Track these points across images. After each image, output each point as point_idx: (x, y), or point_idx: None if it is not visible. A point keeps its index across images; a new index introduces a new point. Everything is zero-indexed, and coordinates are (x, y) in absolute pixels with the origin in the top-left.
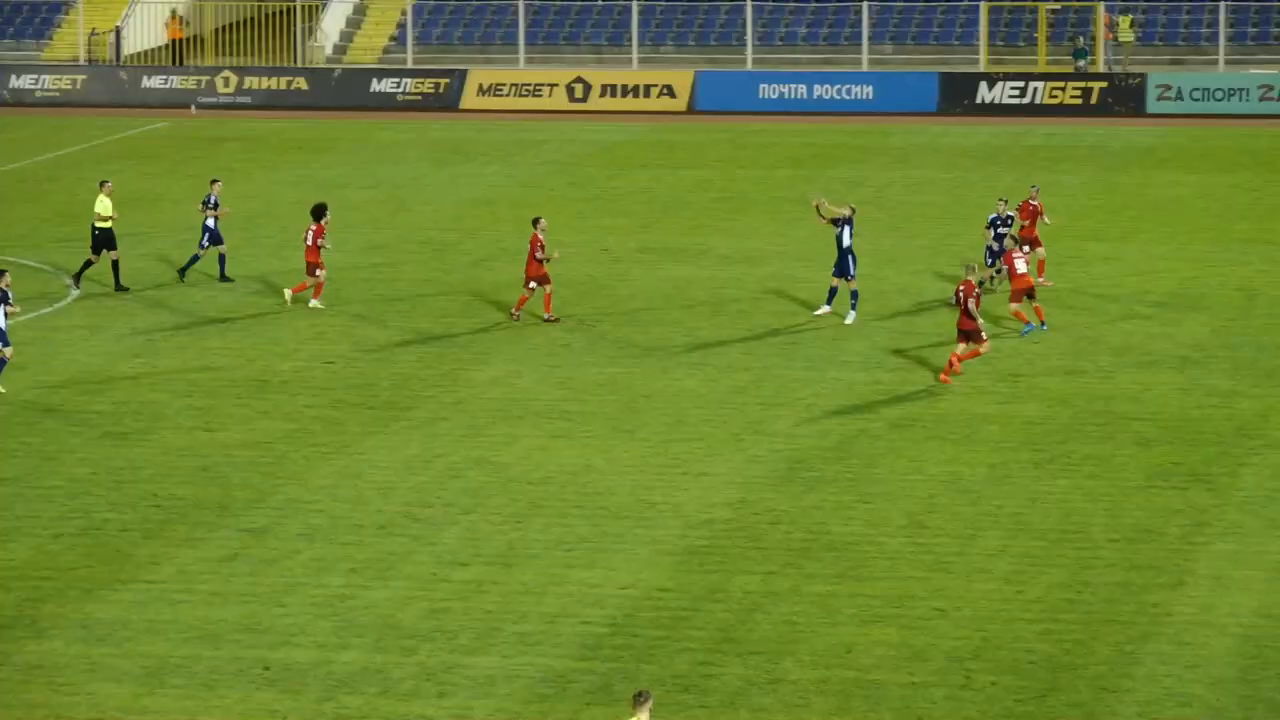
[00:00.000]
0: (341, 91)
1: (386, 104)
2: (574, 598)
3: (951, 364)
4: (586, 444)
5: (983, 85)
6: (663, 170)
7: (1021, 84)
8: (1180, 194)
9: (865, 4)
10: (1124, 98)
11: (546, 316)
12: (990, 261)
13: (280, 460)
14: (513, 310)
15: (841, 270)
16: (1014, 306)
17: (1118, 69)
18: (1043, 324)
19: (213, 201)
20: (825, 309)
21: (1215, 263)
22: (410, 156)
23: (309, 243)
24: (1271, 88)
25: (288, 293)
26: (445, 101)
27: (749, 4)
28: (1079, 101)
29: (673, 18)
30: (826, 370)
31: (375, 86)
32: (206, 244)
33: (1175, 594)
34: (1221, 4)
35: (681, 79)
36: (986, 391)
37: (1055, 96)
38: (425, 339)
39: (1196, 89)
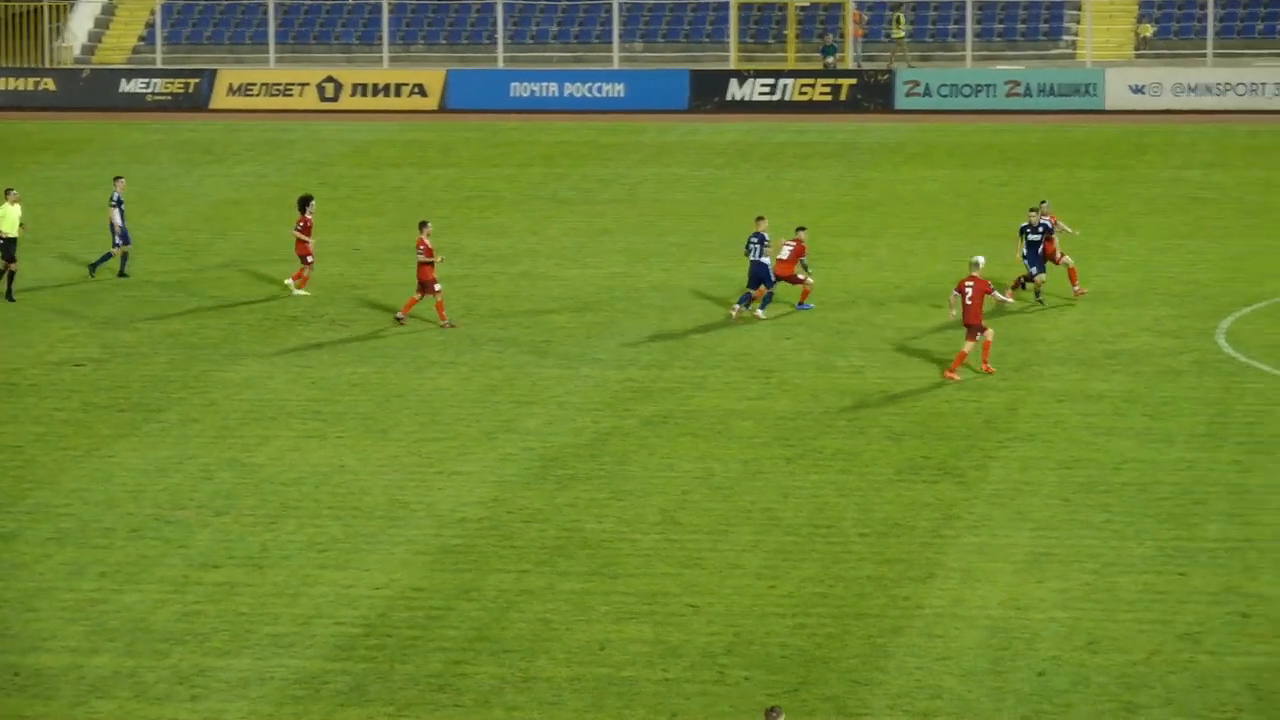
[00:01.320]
0: (90, 92)
1: (136, 104)
2: (327, 598)
3: (961, 359)
4: (339, 444)
5: (733, 82)
6: (414, 169)
7: (771, 81)
8: (930, 189)
9: (616, 2)
10: (873, 94)
11: (442, 323)
12: (1035, 269)
13: (29, 464)
14: (399, 314)
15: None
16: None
17: (900, 65)
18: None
19: (116, 198)
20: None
21: (964, 257)
22: (160, 157)
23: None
24: (1018, 83)
25: (290, 283)
26: (195, 101)
27: (499, 3)
28: (829, 98)
29: (424, 16)
30: (579, 368)
31: (124, 87)
32: (119, 241)
33: (925, 587)
34: (969, 1)
35: (433, 78)
36: (738, 388)
37: (805, 93)
38: (176, 340)
39: (944, 85)
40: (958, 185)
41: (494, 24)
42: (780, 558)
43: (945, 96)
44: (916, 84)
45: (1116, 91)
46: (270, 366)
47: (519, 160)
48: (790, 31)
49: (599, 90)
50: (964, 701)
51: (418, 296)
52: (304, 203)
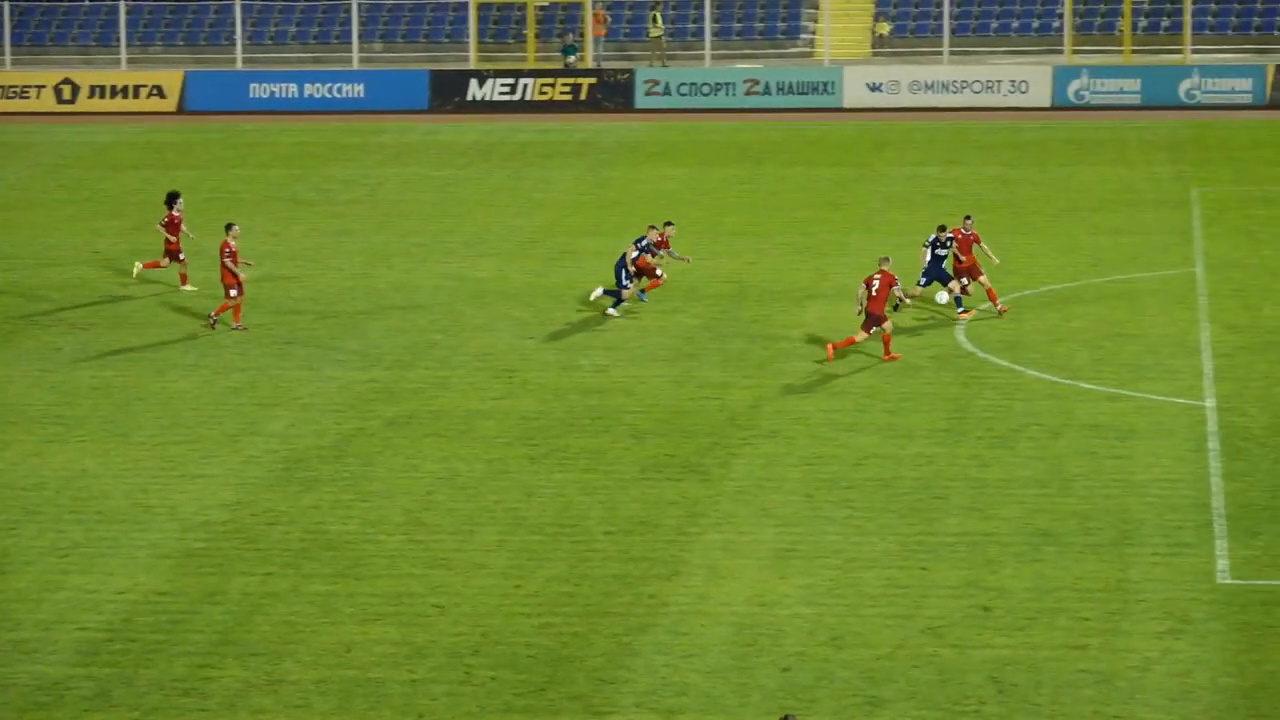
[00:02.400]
0: None
1: None
2: (70, 604)
3: (851, 341)
4: (81, 448)
5: (473, 83)
6: (154, 171)
7: (512, 81)
8: (670, 188)
9: (355, 3)
10: (613, 93)
11: (234, 325)
12: (925, 281)
13: None
14: (211, 314)
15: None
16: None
17: (657, 64)
18: None
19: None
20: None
21: (705, 255)
22: None
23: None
24: (757, 81)
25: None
26: None
27: (238, 3)
28: (569, 98)
29: (161, 17)
30: (322, 369)
31: None
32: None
33: (671, 584)
34: (707, 2)
35: (171, 79)
36: (482, 388)
37: (545, 93)
38: None
39: (684, 84)
40: (698, 184)
41: (232, 25)
42: (526, 557)
43: (685, 95)
44: (656, 83)
45: (854, 90)
46: (9, 370)
47: (259, 161)
48: (530, 31)
49: (339, 91)
50: (710, 698)
51: (230, 301)
52: (171, 199)
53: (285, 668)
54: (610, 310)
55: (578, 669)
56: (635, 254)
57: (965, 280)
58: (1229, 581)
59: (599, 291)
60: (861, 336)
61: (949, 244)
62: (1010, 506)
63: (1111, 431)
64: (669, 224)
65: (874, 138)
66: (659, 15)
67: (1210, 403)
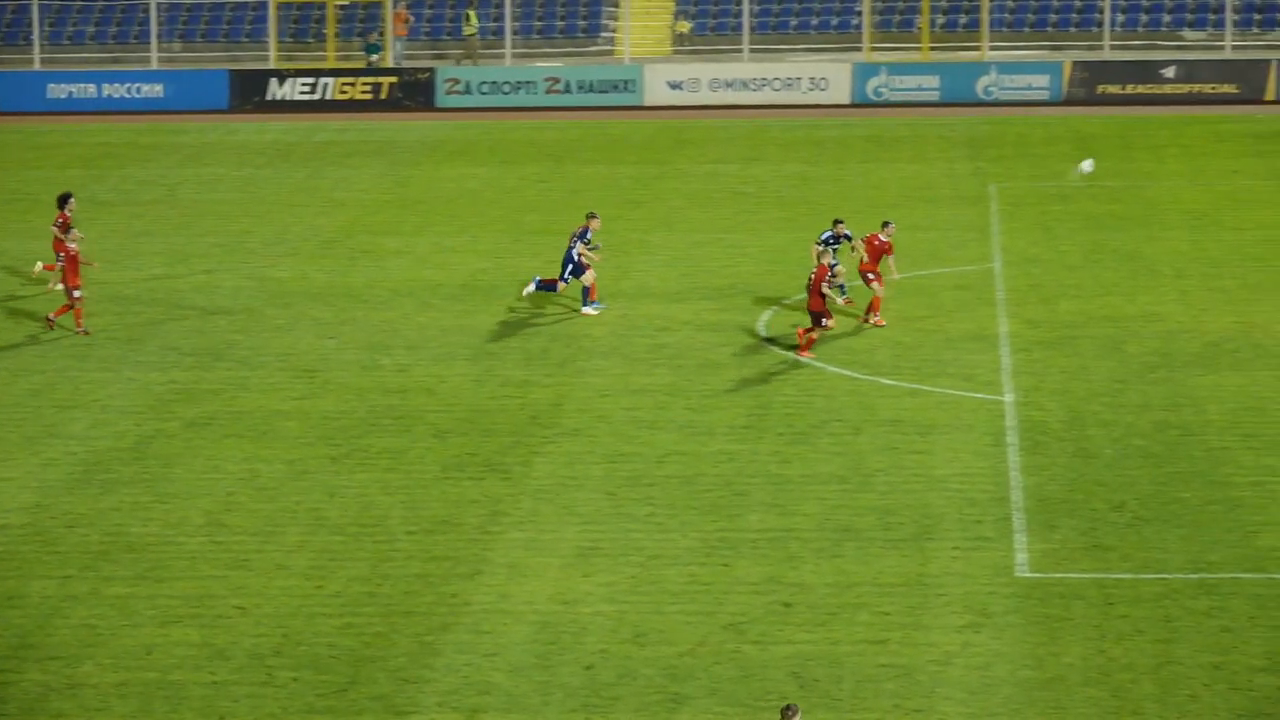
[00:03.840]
0: None
1: None
2: None
3: (802, 336)
4: None
5: (273, 82)
6: None
7: (312, 80)
8: (472, 187)
9: (153, 2)
10: (414, 92)
11: (78, 329)
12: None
13: None
14: (49, 316)
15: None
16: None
17: (469, 63)
18: None
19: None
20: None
21: (507, 254)
22: None
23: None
24: (558, 80)
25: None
26: None
27: (35, 3)
28: (370, 97)
29: None
30: (121, 370)
31: None
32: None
33: (473, 583)
34: (508, 1)
35: None
36: (283, 388)
37: (346, 92)
38: None
39: (485, 83)
40: (499, 182)
41: (30, 24)
42: (327, 558)
43: (486, 94)
44: (457, 82)
45: (655, 88)
46: None
47: (57, 162)
48: (330, 30)
49: (138, 91)
50: (512, 697)
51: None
52: (63, 200)
53: (85, 671)
54: (586, 309)
55: (380, 669)
56: (577, 247)
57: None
58: (1027, 575)
59: (532, 286)
60: (818, 332)
61: (841, 241)
62: (811, 503)
63: (911, 427)
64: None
65: (675, 135)
66: (473, 14)
67: (1009, 397)
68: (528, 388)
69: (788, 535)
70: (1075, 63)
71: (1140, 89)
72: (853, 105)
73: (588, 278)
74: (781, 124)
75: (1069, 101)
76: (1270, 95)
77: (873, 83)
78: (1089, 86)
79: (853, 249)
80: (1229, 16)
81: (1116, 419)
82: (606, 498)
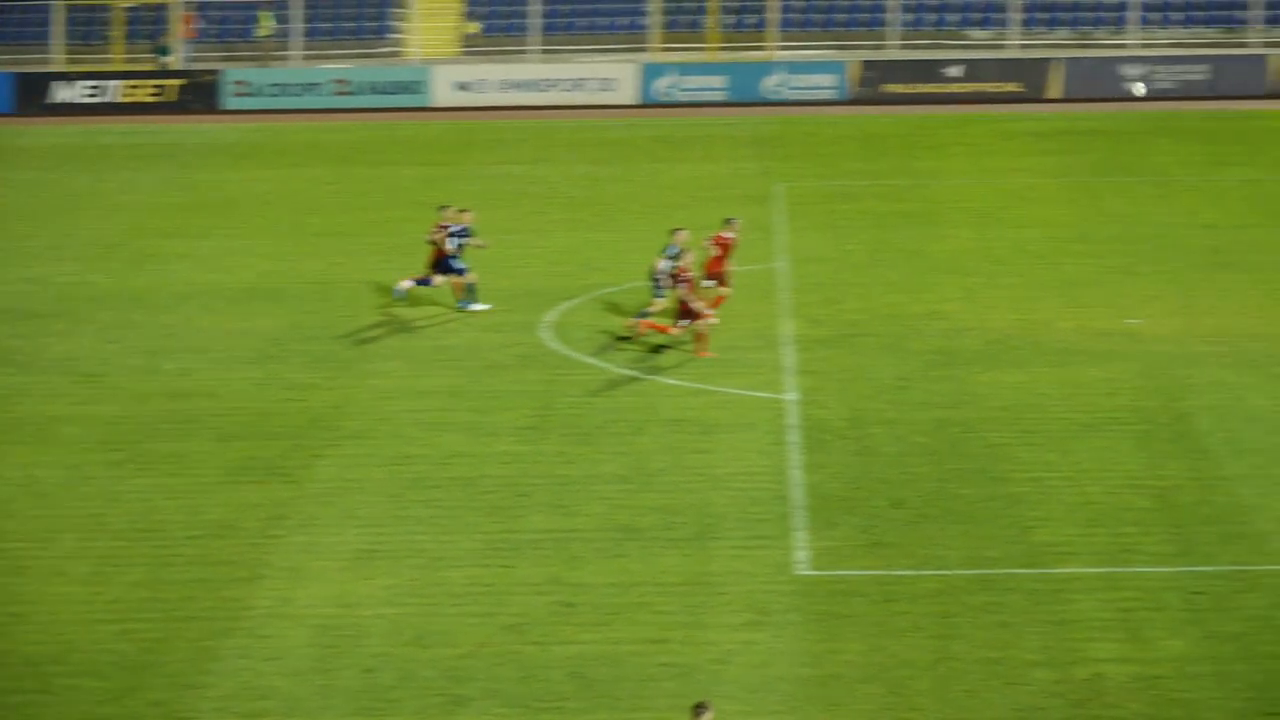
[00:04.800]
0: None
1: None
2: None
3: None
4: None
5: (57, 85)
6: None
7: (98, 83)
8: (259, 190)
9: None
10: (200, 95)
11: None
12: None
13: None
14: None
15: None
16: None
17: (264, 65)
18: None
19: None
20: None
21: (291, 256)
22: None
23: None
24: (346, 81)
25: None
26: None
27: None
28: (156, 99)
29: None
30: None
31: None
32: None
33: (253, 588)
34: (299, 2)
35: None
36: (63, 393)
37: (131, 95)
38: None
39: (272, 85)
40: (286, 185)
41: None
42: (107, 564)
43: (273, 96)
44: (244, 84)
45: (443, 89)
46: None
47: None
48: (117, 33)
49: None
50: (292, 701)
51: None
52: None
53: None
54: (472, 306)
55: (158, 675)
56: (456, 244)
57: (715, 282)
58: (808, 573)
59: (407, 284)
60: (702, 325)
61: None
62: (593, 503)
63: (694, 426)
64: (464, 210)
65: (463, 136)
66: (267, 15)
67: (791, 396)
68: (311, 391)
69: (570, 536)
70: (861, 62)
71: (925, 88)
72: (641, 105)
73: (470, 277)
74: (570, 125)
75: (855, 101)
76: (1053, 94)
77: (660, 83)
78: (875, 86)
79: (705, 249)
80: (1013, 16)
81: (899, 416)
82: (389, 500)
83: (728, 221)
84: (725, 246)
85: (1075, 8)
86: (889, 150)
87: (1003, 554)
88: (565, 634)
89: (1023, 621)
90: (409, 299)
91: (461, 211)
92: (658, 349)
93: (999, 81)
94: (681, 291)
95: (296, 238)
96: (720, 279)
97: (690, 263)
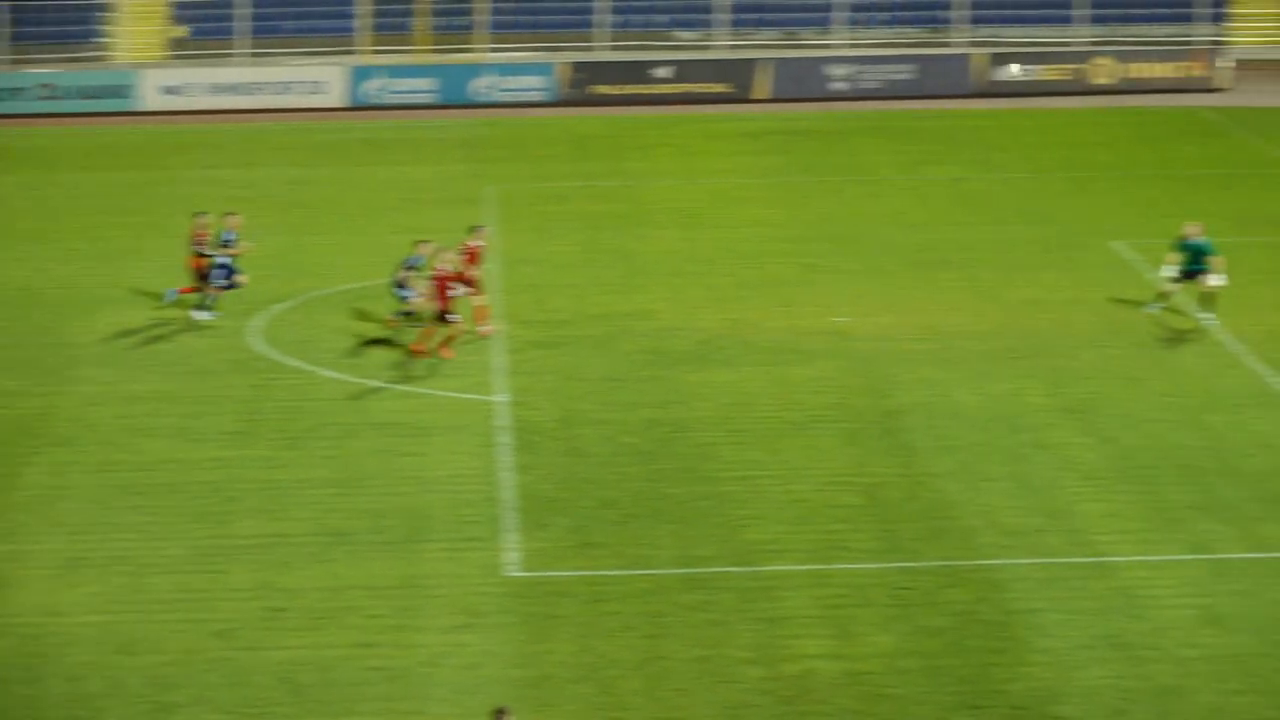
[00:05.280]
0: None
1: None
2: None
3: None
4: None
5: None
6: None
7: None
8: None
9: None
10: None
11: None
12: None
13: None
14: None
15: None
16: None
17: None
18: None
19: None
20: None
21: None
22: None
23: None
24: (51, 86)
25: None
26: None
27: None
28: None
29: None
30: None
31: None
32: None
33: None
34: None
35: None
36: None
37: None
38: None
39: None
40: None
41: None
42: None
43: None
44: None
45: (151, 93)
46: None
47: None
48: None
49: None
50: None
51: None
52: None
53: None
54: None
55: None
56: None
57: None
58: (518, 574)
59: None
60: (452, 330)
61: (417, 266)
62: (303, 507)
63: (405, 429)
64: (230, 214)
65: (171, 141)
66: None
67: (502, 397)
68: (16, 397)
69: (279, 540)
70: (570, 64)
71: (634, 89)
72: (350, 108)
73: (240, 280)
74: (280, 128)
75: (565, 102)
76: (760, 94)
77: (370, 85)
78: (584, 87)
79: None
80: (719, 17)
81: (609, 417)
82: (96, 507)
83: (475, 229)
84: (474, 255)
85: (782, 9)
86: (598, 151)
87: (713, 553)
88: (275, 639)
89: (733, 619)
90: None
91: (228, 215)
92: (374, 342)
93: (707, 82)
94: (437, 296)
95: (1, 243)
96: (473, 287)
97: (446, 266)
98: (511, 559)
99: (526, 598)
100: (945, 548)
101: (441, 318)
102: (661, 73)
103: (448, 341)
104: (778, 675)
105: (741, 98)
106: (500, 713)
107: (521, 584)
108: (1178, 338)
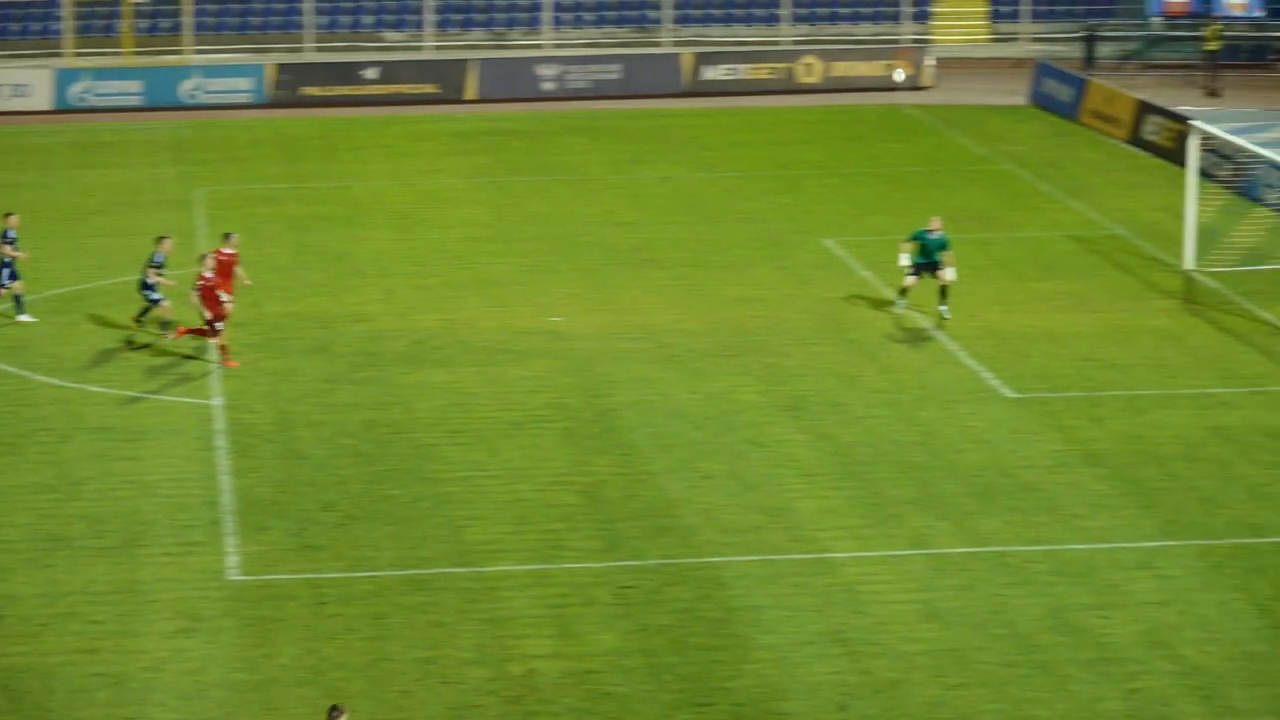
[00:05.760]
0: None
1: None
2: None
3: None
4: None
5: None
6: None
7: None
8: None
9: None
10: None
11: None
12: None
13: None
14: None
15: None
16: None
17: None
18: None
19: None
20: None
21: None
22: None
23: None
24: None
25: None
26: None
27: None
28: None
29: None
30: None
31: None
32: (6, 281)
33: None
34: None
35: None
36: None
37: None
38: None
39: None
40: None
41: None
42: None
43: None
44: None
45: None
46: None
47: None
48: None
49: None
50: None
51: None
52: None
53: None
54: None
55: None
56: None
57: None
58: (239, 578)
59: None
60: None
61: (160, 264)
62: (20, 513)
63: (121, 434)
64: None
65: None
66: None
67: (218, 401)
68: None
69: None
70: (278, 65)
71: (343, 90)
72: (56, 111)
73: (17, 286)
74: None
75: (273, 104)
76: (470, 95)
77: (75, 88)
78: (292, 89)
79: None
80: (428, 18)
81: (326, 419)
82: None
83: (226, 237)
84: (224, 262)
85: (489, 9)
86: (309, 153)
87: (434, 554)
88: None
89: (456, 620)
90: None
91: (7, 215)
92: (79, 355)
93: (416, 83)
94: (194, 300)
95: None
96: (224, 299)
97: (207, 274)
98: (232, 563)
99: (248, 601)
100: (666, 546)
101: (211, 326)
102: (370, 74)
103: (225, 351)
104: (502, 675)
105: (452, 98)
106: (335, 711)
107: (243, 588)
108: (892, 334)
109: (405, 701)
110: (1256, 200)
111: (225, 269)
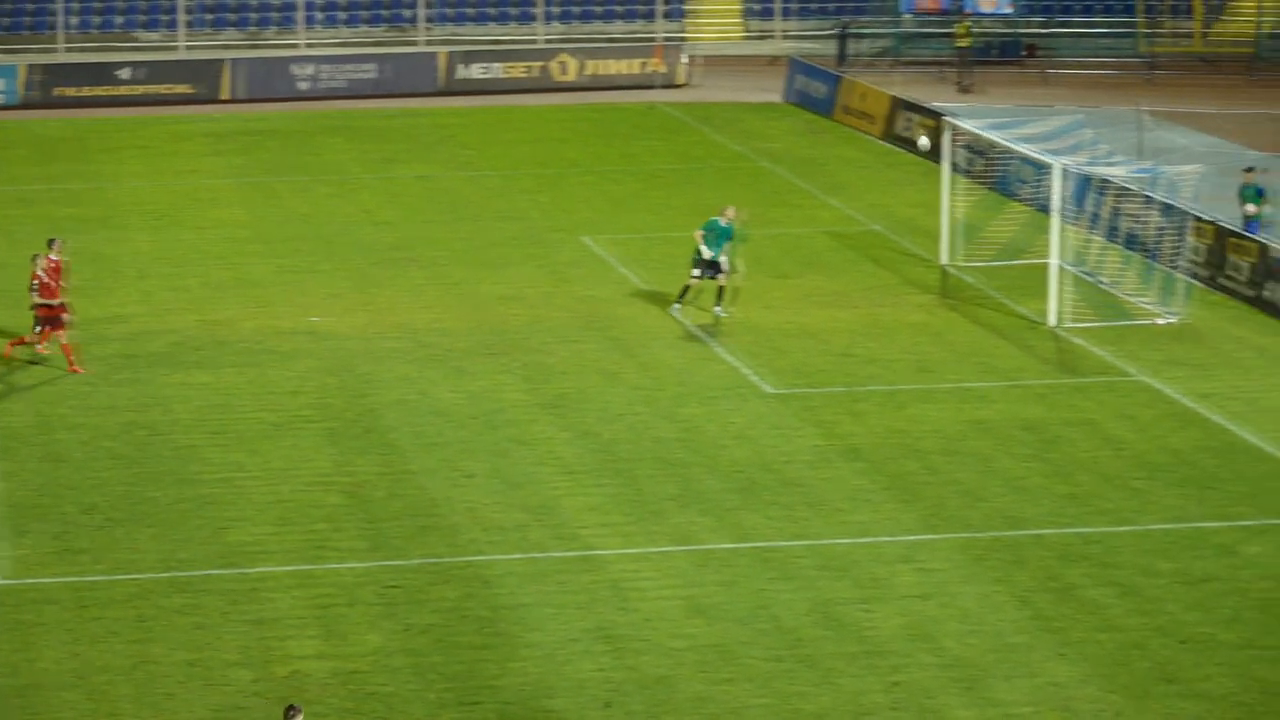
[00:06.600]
0: None
1: None
2: None
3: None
4: None
5: None
6: None
7: None
8: None
9: None
10: None
11: None
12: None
13: None
14: None
15: None
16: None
17: None
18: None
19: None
20: None
21: None
22: None
23: None
24: None
25: None
26: None
27: None
28: None
29: None
30: None
31: None
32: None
33: None
34: None
35: None
36: None
37: None
38: None
39: None
40: None
41: None
42: None
43: None
44: None
45: None
46: None
47: None
48: None
49: None
50: None
51: None
52: None
53: None
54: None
55: None
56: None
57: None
58: (1, 582)
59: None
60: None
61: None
62: None
63: None
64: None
65: None
66: None
67: None
68: None
69: None
70: (31, 65)
71: (98, 91)
72: None
73: None
74: None
75: (26, 105)
76: (225, 94)
77: None
78: (46, 89)
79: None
80: (181, 17)
81: (86, 421)
82: None
83: (50, 243)
84: (51, 270)
85: (242, 8)
86: (63, 154)
87: (196, 555)
88: None
89: (220, 622)
90: None
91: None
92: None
93: (172, 83)
94: (34, 299)
95: None
96: (60, 308)
97: (42, 275)
98: None
99: (10, 605)
100: (431, 545)
101: (57, 316)
102: (126, 74)
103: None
104: (267, 677)
105: (209, 98)
106: (291, 710)
107: (4, 592)
108: (652, 331)
109: (170, 704)
110: (1010, 195)
111: (57, 276)
